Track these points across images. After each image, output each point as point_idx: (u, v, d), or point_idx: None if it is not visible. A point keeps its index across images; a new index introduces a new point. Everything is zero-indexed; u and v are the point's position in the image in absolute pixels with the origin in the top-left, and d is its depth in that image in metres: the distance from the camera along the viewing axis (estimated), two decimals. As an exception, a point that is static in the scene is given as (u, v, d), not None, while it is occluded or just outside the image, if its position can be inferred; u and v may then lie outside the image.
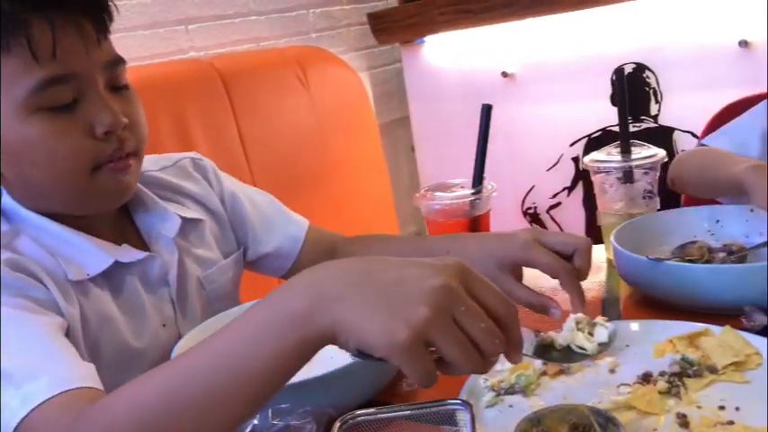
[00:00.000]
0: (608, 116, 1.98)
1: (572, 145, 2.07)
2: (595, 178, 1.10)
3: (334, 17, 2.26)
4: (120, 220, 0.83)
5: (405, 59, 2.29)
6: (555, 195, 2.16)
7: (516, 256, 0.78)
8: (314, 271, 0.52)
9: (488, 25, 2.04)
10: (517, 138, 2.16)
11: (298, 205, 1.03)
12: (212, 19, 1.87)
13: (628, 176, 1.07)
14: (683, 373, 0.68)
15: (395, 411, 0.56)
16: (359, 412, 0.56)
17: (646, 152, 1.08)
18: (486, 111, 0.98)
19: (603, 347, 0.66)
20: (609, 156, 1.09)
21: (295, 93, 1.79)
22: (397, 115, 2.43)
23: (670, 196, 1.37)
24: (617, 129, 1.98)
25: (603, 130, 1.99)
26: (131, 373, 0.56)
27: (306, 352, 0.50)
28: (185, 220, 0.87)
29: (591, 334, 0.67)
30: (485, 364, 0.50)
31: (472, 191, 0.99)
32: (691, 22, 1.82)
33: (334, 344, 0.50)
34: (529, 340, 0.64)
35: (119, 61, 0.76)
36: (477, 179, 0.98)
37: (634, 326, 0.78)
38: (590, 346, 0.66)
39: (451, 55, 2.21)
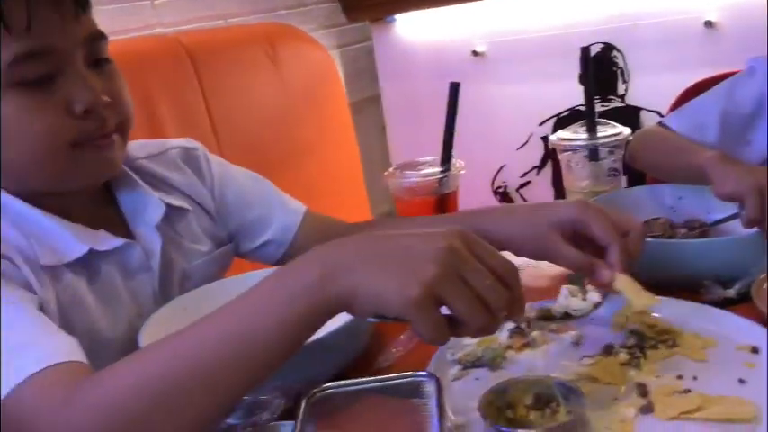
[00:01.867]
0: (577, 96, 1.98)
1: (541, 124, 2.09)
2: (562, 156, 1.11)
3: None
4: (101, 202, 0.81)
5: (375, 38, 2.28)
6: (525, 174, 2.18)
7: (573, 216, 0.72)
8: (326, 246, 0.55)
9: (459, 4, 2.03)
10: (488, 117, 2.17)
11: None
12: (179, -6, 1.85)
13: (593, 154, 1.09)
14: (644, 345, 0.70)
15: (362, 384, 0.57)
16: (327, 385, 0.57)
17: (611, 130, 1.09)
18: (454, 89, 0.98)
19: (598, 306, 0.69)
20: (575, 134, 1.11)
21: (264, 71, 1.77)
22: (368, 94, 2.42)
23: (637, 174, 1.39)
24: (591, 107, 2.03)
25: (572, 109, 2.01)
26: (103, 361, 0.56)
27: (317, 320, 0.53)
28: (171, 208, 0.84)
29: (584, 299, 0.70)
30: (492, 321, 0.53)
31: (440, 169, 0.99)
32: (657, 2, 1.84)
33: (347, 310, 0.53)
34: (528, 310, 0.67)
35: (99, 36, 0.74)
36: (446, 158, 0.99)
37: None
38: (586, 305, 0.69)
39: (422, 33, 2.20)
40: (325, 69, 1.98)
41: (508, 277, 0.54)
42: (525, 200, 2.21)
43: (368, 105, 2.42)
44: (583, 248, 0.71)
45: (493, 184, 2.25)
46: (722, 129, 1.06)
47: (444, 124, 0.99)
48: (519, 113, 2.11)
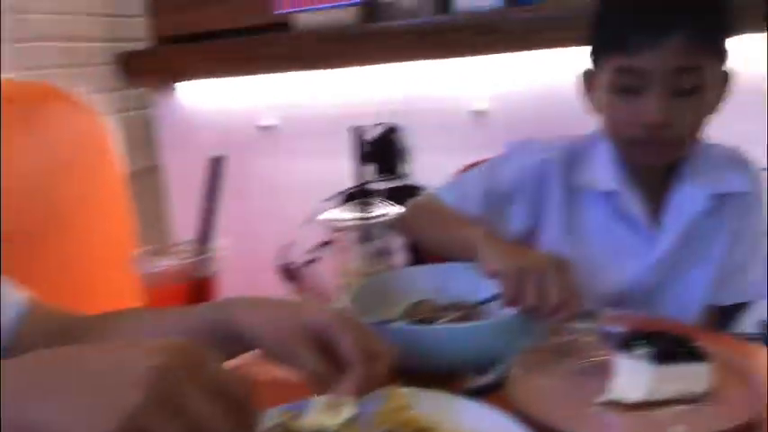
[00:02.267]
0: (365, 172, 2.02)
1: (329, 201, 2.07)
2: (333, 236, 1.07)
3: (79, 53, 2.07)
4: None
5: (158, 104, 2.16)
6: (311, 251, 2.14)
7: (322, 324, 0.66)
8: (7, 368, 0.44)
9: (247, 76, 1.99)
10: (274, 192, 2.13)
11: (18, 266, 0.85)
12: None
13: (365, 234, 1.06)
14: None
15: None
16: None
17: (383, 209, 1.08)
18: (216, 163, 0.90)
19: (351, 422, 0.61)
20: (347, 213, 1.07)
21: (18, 135, 1.57)
22: (149, 163, 2.27)
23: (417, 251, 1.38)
24: (372, 185, 2.05)
25: (358, 186, 2.02)
26: None
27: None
28: None
29: (337, 413, 0.61)
30: None
31: (197, 250, 0.90)
32: (437, 89, 1.94)
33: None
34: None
35: None
36: (204, 238, 0.90)
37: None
38: (337, 422, 0.60)
39: (207, 102, 2.12)
40: (95, 135, 1.80)
41: (240, 398, 0.47)
42: (311, 278, 2.16)
43: (148, 175, 2.27)
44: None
45: (279, 261, 2.18)
46: (485, 204, 1.11)
47: (203, 201, 0.90)
48: (307, 188, 2.08)
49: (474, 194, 1.11)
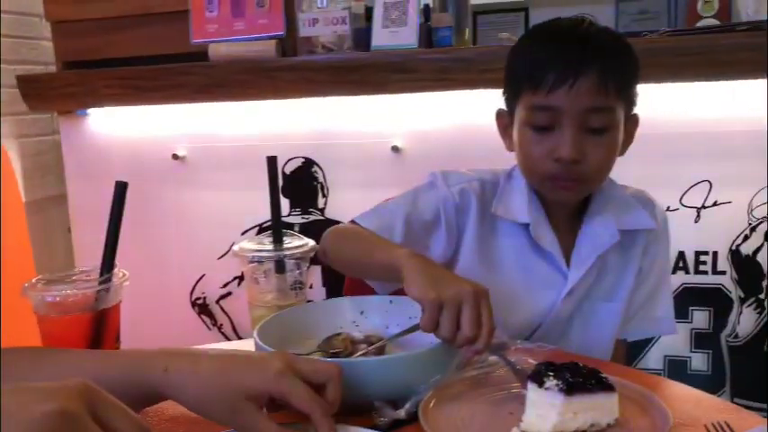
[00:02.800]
0: (281, 206, 2.00)
1: (244, 234, 2.03)
2: (247, 268, 1.04)
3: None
4: None
5: (63, 131, 2.07)
6: (225, 285, 2.08)
7: (268, 388, 0.66)
8: None
9: (159, 104, 1.94)
10: (189, 223, 2.06)
11: None
12: None
13: (279, 267, 1.04)
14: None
15: None
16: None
17: (297, 242, 1.06)
18: (120, 188, 0.86)
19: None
20: (260, 245, 1.05)
21: None
22: (54, 192, 2.16)
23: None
24: (288, 219, 2.03)
25: (273, 219, 1.99)
26: None
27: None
28: None
29: None
30: None
31: (99, 280, 0.85)
32: (354, 125, 1.95)
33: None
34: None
35: None
36: (107, 266, 0.85)
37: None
38: None
39: (119, 131, 2.05)
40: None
41: None
42: (226, 312, 2.10)
43: (53, 205, 2.15)
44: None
45: (192, 294, 2.11)
46: (406, 232, 1.10)
47: (107, 227, 0.86)
48: (221, 221, 2.04)
49: (394, 223, 1.10)
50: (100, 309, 0.84)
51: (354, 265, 1.10)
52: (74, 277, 0.86)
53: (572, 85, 0.98)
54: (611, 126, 1.02)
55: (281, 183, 2.00)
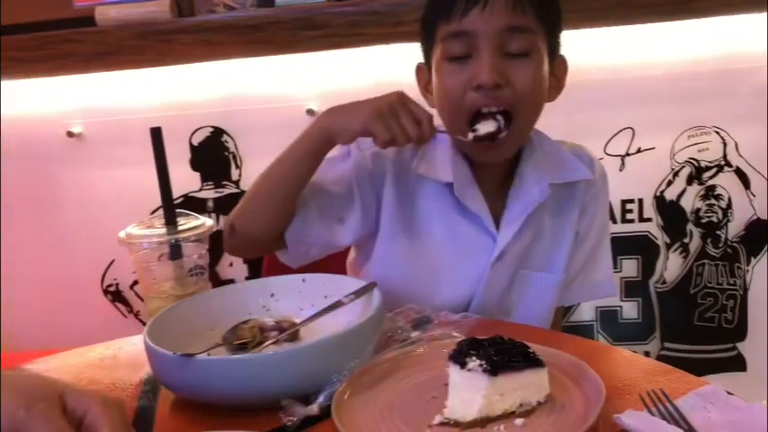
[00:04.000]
0: (192, 181, 1.86)
1: (153, 213, 1.88)
2: (136, 256, 0.93)
3: None
4: None
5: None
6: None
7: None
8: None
9: (45, 77, 1.76)
10: (92, 206, 1.90)
11: None
12: None
13: (174, 252, 0.93)
14: None
15: None
16: None
17: (193, 222, 0.95)
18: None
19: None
20: (150, 229, 0.94)
21: None
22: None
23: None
24: (199, 194, 1.90)
25: (185, 196, 1.86)
26: None
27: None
28: None
29: None
30: None
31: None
32: (264, 89, 1.82)
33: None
34: None
35: None
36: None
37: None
38: None
39: (3, 108, 1.85)
40: None
41: None
42: (141, 298, 1.97)
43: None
44: None
45: (103, 281, 1.96)
46: (320, 209, 1.02)
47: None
48: (128, 201, 1.89)
49: (306, 200, 1.01)
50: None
51: (274, 194, 0.99)
52: None
53: (485, 5, 0.93)
54: (532, 50, 0.96)
55: (189, 155, 1.87)
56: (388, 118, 0.91)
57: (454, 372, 0.65)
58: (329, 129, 0.94)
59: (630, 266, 1.82)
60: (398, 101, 0.92)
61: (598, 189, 1.09)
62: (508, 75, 0.94)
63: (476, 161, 1.03)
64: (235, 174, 1.88)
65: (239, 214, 1.00)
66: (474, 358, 0.64)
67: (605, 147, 1.74)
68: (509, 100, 0.95)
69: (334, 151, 1.05)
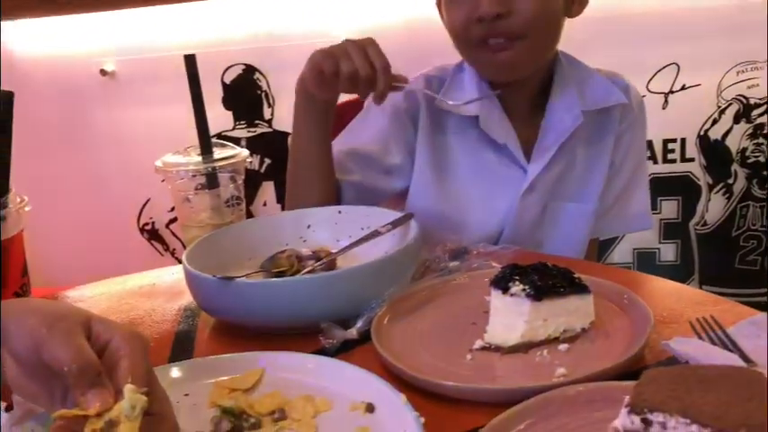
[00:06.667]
0: (225, 119, 1.85)
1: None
2: (174, 186, 0.93)
3: None
4: None
5: (-26, 50, 1.86)
6: (173, 208, 1.95)
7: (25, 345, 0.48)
8: None
9: (77, 14, 1.75)
10: (126, 145, 1.91)
11: None
12: None
13: (211, 181, 0.92)
14: (242, 427, 0.53)
15: None
16: None
17: (228, 152, 0.94)
18: (6, 99, 0.73)
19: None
20: (187, 158, 0.93)
21: None
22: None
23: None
24: (232, 133, 1.89)
25: (218, 135, 1.85)
26: None
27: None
28: None
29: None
30: None
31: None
32: (297, 24, 1.79)
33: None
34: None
35: None
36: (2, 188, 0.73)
37: (191, 368, 0.62)
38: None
39: (37, 46, 1.85)
40: None
41: None
42: (178, 237, 1.99)
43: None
44: None
45: (139, 220, 1.98)
46: (361, 165, 1.02)
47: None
48: (162, 139, 1.88)
49: (342, 160, 1.01)
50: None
51: (305, 174, 0.99)
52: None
53: None
54: None
55: (221, 94, 1.85)
56: (338, 55, 0.86)
57: (496, 297, 0.64)
58: (302, 82, 0.93)
59: (670, 208, 1.78)
60: (355, 43, 0.87)
61: (634, 117, 1.05)
62: (511, 2, 0.90)
63: (495, 83, 1.00)
64: (267, 112, 1.86)
65: (288, 202, 1.01)
66: (517, 283, 0.63)
67: (648, 84, 1.68)
68: (515, 28, 0.92)
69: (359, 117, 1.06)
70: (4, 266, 0.72)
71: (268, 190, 1.90)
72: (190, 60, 0.90)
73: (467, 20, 0.92)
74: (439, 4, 1.02)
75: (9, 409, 0.55)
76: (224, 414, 0.53)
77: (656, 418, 0.36)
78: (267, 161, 1.86)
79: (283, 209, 1.85)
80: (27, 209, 0.75)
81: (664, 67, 1.68)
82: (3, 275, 0.73)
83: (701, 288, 1.81)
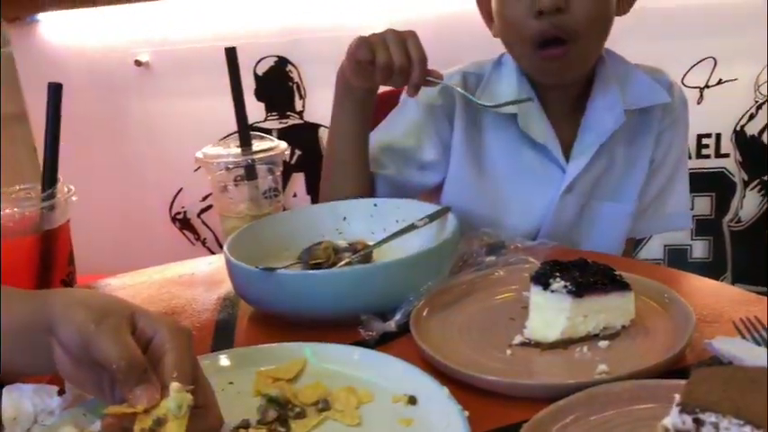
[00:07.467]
0: (256, 111, 1.87)
1: (221, 141, 1.90)
2: (214, 177, 0.94)
3: None
4: None
5: (15, 41, 1.90)
6: (206, 198, 1.98)
7: (73, 339, 0.50)
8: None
9: (113, 6, 1.77)
10: (159, 135, 1.94)
11: None
12: None
13: (250, 173, 0.94)
14: (287, 416, 0.54)
15: None
16: None
17: (267, 144, 0.95)
18: (54, 91, 0.75)
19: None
20: (227, 149, 0.94)
21: None
22: (13, 108, 2.01)
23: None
24: (264, 125, 1.91)
25: (250, 126, 1.86)
26: None
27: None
28: None
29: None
30: None
31: (42, 197, 0.75)
32: (329, 16, 1.79)
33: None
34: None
35: None
36: (49, 180, 0.75)
37: (235, 357, 0.63)
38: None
39: (74, 38, 1.88)
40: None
41: None
42: (209, 226, 2.01)
43: (14, 123, 2.01)
44: None
45: (171, 209, 2.01)
46: (395, 160, 1.03)
47: (44, 137, 0.75)
48: (194, 130, 1.91)
49: (377, 155, 1.01)
50: (45, 230, 0.74)
51: (341, 165, 1.00)
52: (12, 196, 0.75)
53: None
54: None
55: (253, 85, 1.87)
56: (375, 43, 0.87)
57: (536, 293, 0.64)
58: (342, 71, 0.94)
59: (703, 204, 1.76)
60: (395, 33, 0.87)
61: (677, 116, 1.04)
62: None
63: (542, 84, 0.99)
64: (299, 104, 1.87)
65: (323, 193, 1.02)
66: (558, 279, 0.63)
67: (683, 78, 1.66)
68: (573, 24, 0.90)
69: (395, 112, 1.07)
70: (54, 255, 0.74)
71: (298, 181, 1.92)
72: (230, 53, 0.91)
73: (524, 14, 0.91)
74: (484, 3, 1.01)
75: (61, 393, 0.57)
76: (270, 403, 0.54)
77: (709, 418, 0.36)
78: (298, 152, 1.88)
79: (314, 200, 1.89)
80: (74, 198, 0.77)
81: (700, 61, 1.66)
82: (51, 264, 0.75)
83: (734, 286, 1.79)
